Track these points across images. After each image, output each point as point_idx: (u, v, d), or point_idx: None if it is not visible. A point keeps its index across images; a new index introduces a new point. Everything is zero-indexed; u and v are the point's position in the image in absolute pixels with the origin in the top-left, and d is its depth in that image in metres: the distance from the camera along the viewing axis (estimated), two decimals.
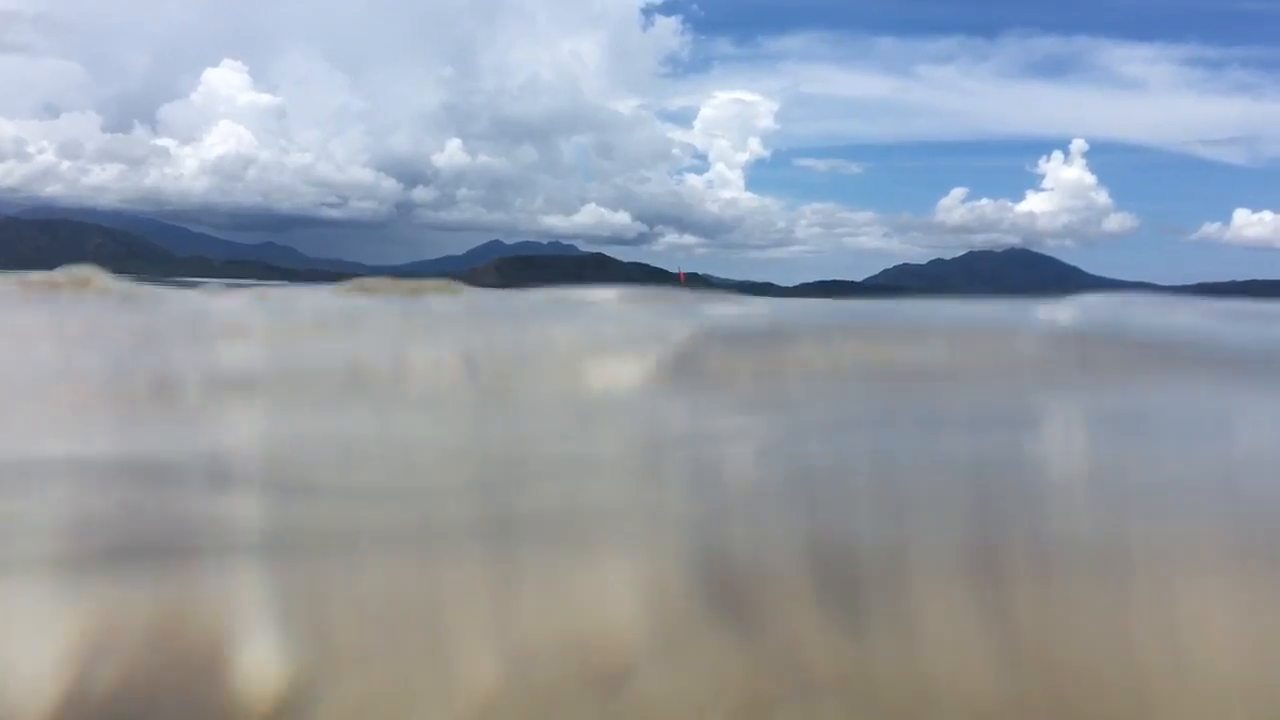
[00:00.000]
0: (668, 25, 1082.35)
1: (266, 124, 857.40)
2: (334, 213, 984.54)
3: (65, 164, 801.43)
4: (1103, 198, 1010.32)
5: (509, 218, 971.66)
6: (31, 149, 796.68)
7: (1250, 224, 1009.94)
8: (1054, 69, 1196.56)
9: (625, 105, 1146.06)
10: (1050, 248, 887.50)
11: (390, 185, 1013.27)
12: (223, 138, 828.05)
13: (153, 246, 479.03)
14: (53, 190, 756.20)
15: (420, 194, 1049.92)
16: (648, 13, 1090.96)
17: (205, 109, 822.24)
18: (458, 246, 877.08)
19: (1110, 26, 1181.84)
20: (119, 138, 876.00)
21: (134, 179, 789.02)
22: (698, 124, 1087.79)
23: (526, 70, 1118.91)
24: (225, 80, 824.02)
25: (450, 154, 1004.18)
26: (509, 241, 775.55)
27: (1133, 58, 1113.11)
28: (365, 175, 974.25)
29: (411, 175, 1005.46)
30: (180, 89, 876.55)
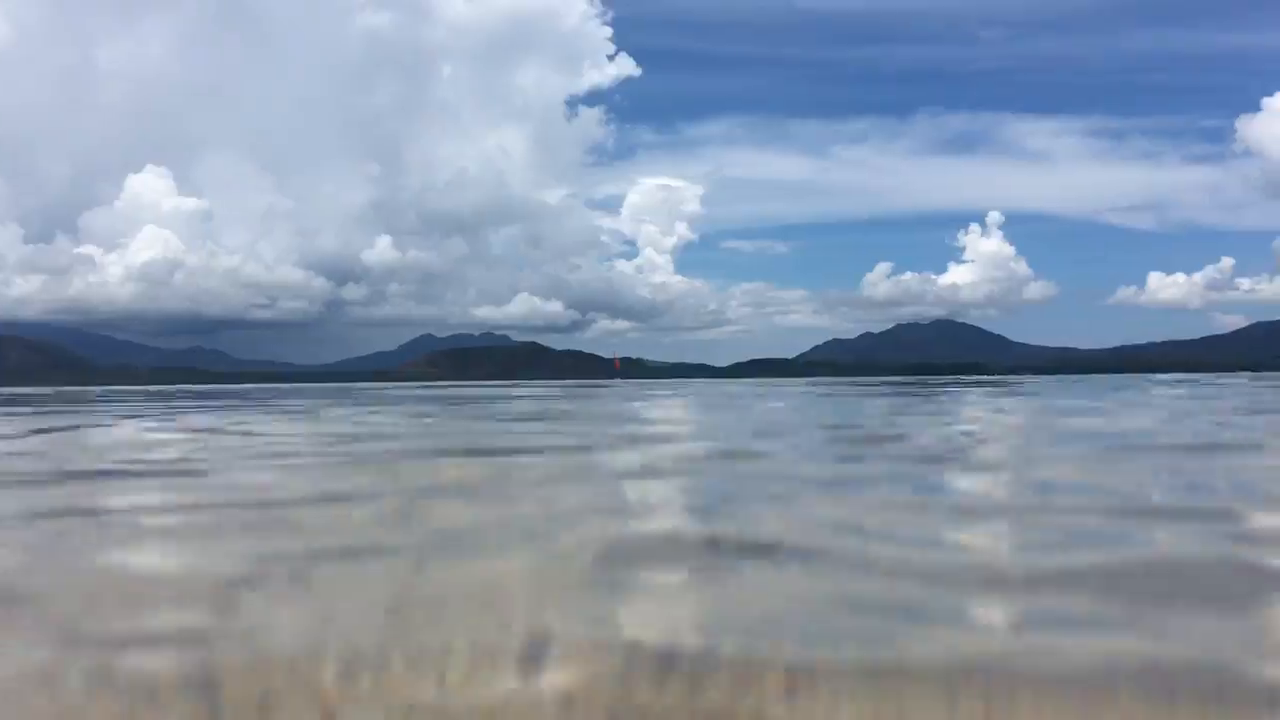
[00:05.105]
0: (591, 115, 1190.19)
1: (193, 228, 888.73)
2: (263, 314, 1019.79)
3: None
4: (1022, 267, 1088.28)
5: (440, 311, 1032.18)
6: None
7: (1164, 286, 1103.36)
8: (964, 145, 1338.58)
9: (553, 195, 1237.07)
10: (974, 317, 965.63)
11: (320, 284, 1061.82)
12: (148, 243, 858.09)
13: (75, 357, 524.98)
14: None
15: (351, 291, 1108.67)
16: (571, 104, 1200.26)
17: (129, 215, 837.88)
18: (389, 342, 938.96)
19: (1014, 102, 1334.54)
20: (41, 248, 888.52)
21: (57, 289, 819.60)
22: (625, 210, 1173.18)
23: (453, 165, 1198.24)
24: (149, 186, 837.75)
25: (380, 251, 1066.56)
26: (440, 335, 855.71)
27: (1038, 131, 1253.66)
28: (295, 275, 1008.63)
29: (342, 273, 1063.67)
30: (103, 196, 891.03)
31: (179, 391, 40.86)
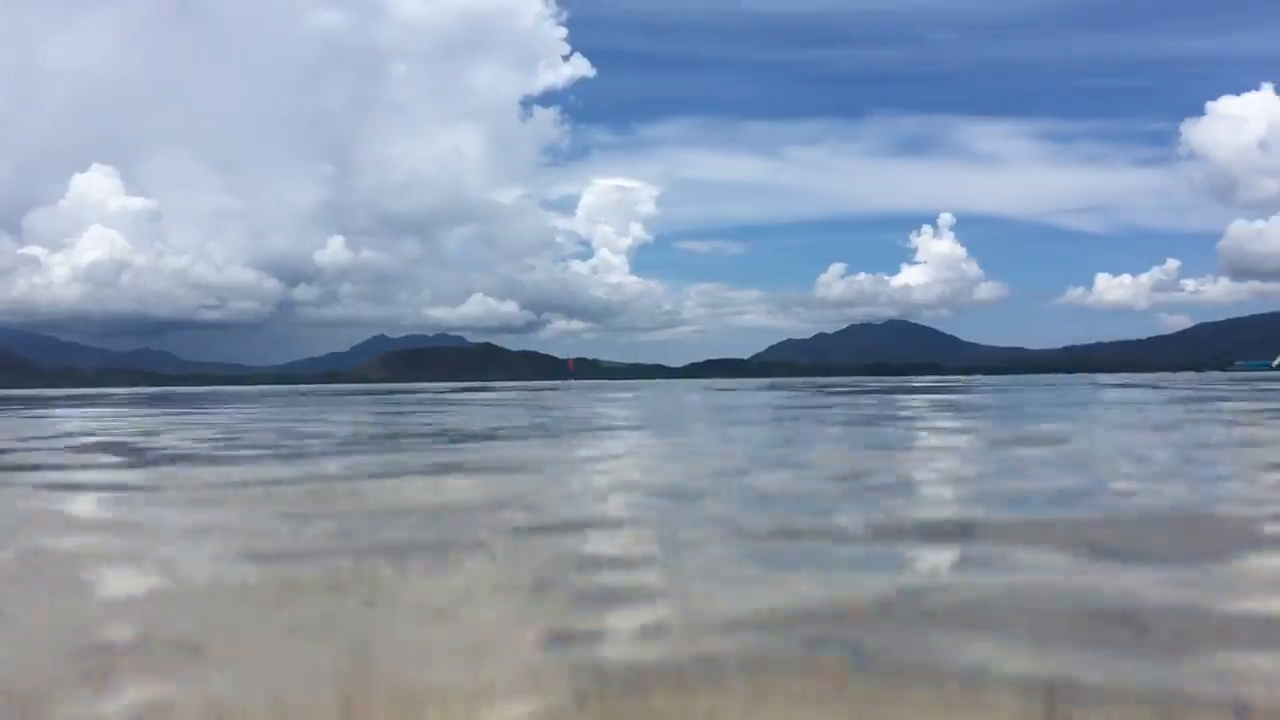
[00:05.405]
0: (546, 116, 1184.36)
1: (140, 228, 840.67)
2: (212, 314, 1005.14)
3: None
4: (973, 268, 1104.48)
5: (394, 312, 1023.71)
6: None
7: (1111, 287, 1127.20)
8: (916, 147, 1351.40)
9: (507, 195, 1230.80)
10: (927, 318, 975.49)
11: (272, 285, 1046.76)
12: (94, 243, 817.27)
13: (18, 359, 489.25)
14: None
15: (302, 292, 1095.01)
16: (526, 104, 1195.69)
17: (75, 215, 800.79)
18: (341, 343, 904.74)
19: (965, 105, 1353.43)
20: None
21: None
22: (580, 211, 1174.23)
23: (407, 165, 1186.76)
24: (95, 185, 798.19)
25: (333, 251, 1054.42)
26: (394, 335, 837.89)
27: (989, 134, 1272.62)
28: (245, 276, 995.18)
29: (293, 274, 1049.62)
30: (48, 196, 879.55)
31: (98, 396, 38.11)
